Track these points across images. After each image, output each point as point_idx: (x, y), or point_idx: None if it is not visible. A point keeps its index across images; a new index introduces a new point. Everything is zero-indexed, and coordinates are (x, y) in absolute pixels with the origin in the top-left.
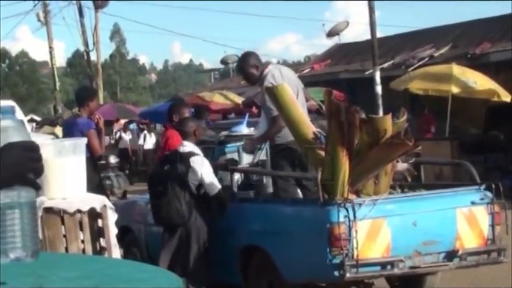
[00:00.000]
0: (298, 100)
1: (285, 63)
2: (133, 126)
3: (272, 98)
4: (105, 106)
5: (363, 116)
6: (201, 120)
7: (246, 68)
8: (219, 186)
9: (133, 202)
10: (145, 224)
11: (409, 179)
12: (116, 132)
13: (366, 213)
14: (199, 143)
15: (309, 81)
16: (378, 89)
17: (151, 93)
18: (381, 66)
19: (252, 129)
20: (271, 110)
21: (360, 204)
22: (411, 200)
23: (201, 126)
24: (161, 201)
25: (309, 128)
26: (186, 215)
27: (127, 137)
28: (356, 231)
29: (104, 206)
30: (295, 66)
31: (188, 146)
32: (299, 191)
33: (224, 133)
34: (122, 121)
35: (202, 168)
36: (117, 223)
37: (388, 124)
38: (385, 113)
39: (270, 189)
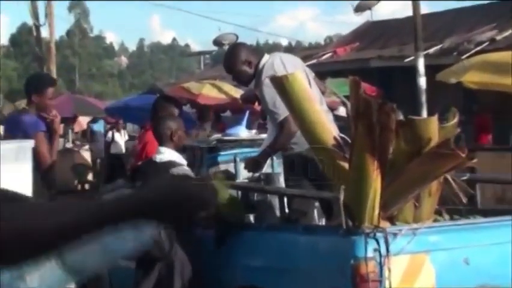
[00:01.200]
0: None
1: (298, 46)
2: (98, 126)
3: (281, 92)
4: (59, 99)
5: (401, 117)
6: (204, 123)
7: (236, 66)
8: None
9: None
10: None
11: (463, 200)
12: (107, 132)
13: (404, 246)
14: (181, 150)
15: (329, 70)
16: (422, 81)
17: (120, 83)
18: (426, 52)
19: (254, 131)
20: (276, 112)
21: (395, 234)
22: (463, 229)
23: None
24: None
25: (329, 131)
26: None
27: (121, 139)
28: (389, 270)
29: None
30: (312, 50)
31: (166, 154)
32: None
33: (215, 136)
34: (82, 119)
35: None
36: None
37: (433, 128)
38: (430, 113)
39: (276, 212)
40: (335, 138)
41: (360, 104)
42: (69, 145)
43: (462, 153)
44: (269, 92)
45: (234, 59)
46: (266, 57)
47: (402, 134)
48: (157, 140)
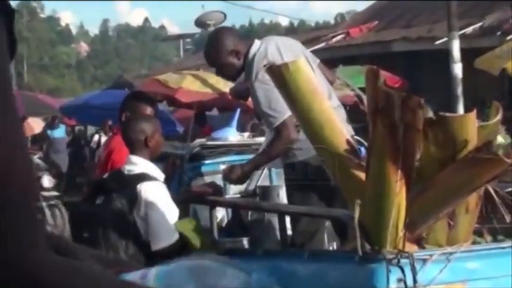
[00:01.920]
0: None
1: (301, 26)
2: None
3: (279, 84)
4: None
5: (431, 113)
6: (201, 127)
7: (220, 58)
8: (173, 238)
9: None
10: None
11: (507, 217)
12: (93, 135)
13: (435, 275)
14: (159, 159)
15: (342, 56)
16: (457, 69)
17: (79, 75)
18: (462, 32)
19: (247, 134)
20: (272, 114)
21: (424, 261)
22: (509, 253)
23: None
24: None
25: (340, 133)
26: None
27: None
28: None
29: None
30: (319, 32)
31: (138, 165)
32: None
33: (198, 141)
34: (33, 121)
35: (152, 203)
36: None
37: (471, 128)
38: (467, 109)
39: (276, 234)
40: (348, 141)
41: (379, 98)
42: None
43: (508, 158)
44: (263, 89)
45: (218, 49)
46: (257, 44)
47: (432, 135)
48: (127, 147)
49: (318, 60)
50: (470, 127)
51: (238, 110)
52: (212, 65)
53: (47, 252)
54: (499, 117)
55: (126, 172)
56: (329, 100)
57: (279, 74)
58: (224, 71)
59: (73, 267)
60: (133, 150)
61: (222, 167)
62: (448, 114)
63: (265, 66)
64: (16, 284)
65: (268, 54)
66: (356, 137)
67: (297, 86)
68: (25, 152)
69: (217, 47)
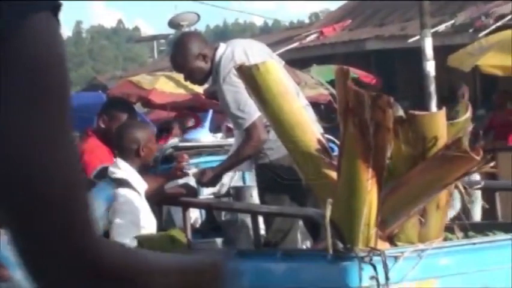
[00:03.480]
0: None
1: (276, 26)
2: None
3: (249, 85)
4: None
5: (401, 112)
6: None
7: (187, 62)
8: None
9: None
10: None
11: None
12: None
13: (407, 271)
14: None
15: (316, 55)
16: (430, 66)
17: None
18: (434, 30)
19: (220, 135)
20: (240, 116)
21: (396, 258)
22: (481, 249)
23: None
24: None
25: (311, 133)
26: None
27: None
28: None
29: None
30: (293, 31)
31: (122, 170)
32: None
33: (171, 143)
34: None
35: (120, 211)
36: None
37: (441, 126)
38: (440, 106)
39: (249, 233)
40: (319, 141)
41: (349, 98)
42: None
43: (477, 155)
44: (231, 91)
45: (184, 54)
46: (223, 47)
47: (403, 134)
48: (118, 153)
49: (283, 62)
50: (439, 125)
51: (211, 111)
52: (179, 71)
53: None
54: (468, 114)
55: (109, 174)
56: (298, 100)
57: (249, 75)
58: (192, 76)
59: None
60: (122, 156)
61: (194, 169)
62: (417, 112)
63: (234, 68)
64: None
65: (235, 56)
66: (327, 136)
67: (268, 86)
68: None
69: (183, 52)
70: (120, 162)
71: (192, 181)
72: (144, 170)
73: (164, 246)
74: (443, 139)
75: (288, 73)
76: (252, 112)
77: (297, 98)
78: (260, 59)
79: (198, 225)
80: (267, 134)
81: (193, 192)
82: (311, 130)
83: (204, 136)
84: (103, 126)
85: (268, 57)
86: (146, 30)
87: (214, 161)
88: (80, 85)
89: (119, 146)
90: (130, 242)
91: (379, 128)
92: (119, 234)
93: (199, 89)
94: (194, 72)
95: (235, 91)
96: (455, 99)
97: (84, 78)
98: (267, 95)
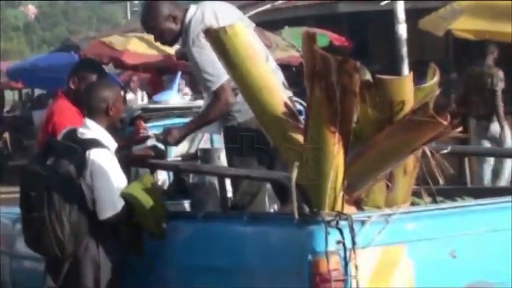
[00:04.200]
0: None
1: None
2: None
3: (217, 48)
4: None
5: (368, 76)
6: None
7: (158, 24)
8: (118, 206)
9: None
10: (10, 254)
11: (441, 179)
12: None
13: (374, 236)
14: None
15: (287, 18)
16: (402, 29)
17: (27, 38)
18: None
19: (188, 98)
20: (209, 79)
21: (363, 222)
22: (449, 215)
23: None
24: (33, 219)
25: (278, 96)
26: (69, 244)
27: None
28: (356, 267)
29: None
30: None
31: (92, 130)
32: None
33: (140, 104)
34: None
35: (98, 172)
36: None
37: (408, 90)
38: (413, 69)
39: (216, 196)
40: (286, 104)
41: (316, 62)
42: None
43: (444, 120)
44: (200, 53)
45: (155, 15)
46: (193, 9)
47: (370, 98)
48: (86, 112)
49: (253, 25)
50: (407, 89)
51: (179, 73)
52: (150, 32)
53: None
54: (436, 79)
55: (79, 135)
56: (266, 62)
57: (217, 38)
58: (162, 37)
59: None
60: (90, 116)
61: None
62: (384, 76)
63: (202, 30)
64: None
65: (205, 19)
66: (297, 99)
67: (235, 50)
68: None
69: (154, 13)
70: (89, 122)
71: (159, 143)
72: (112, 130)
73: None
74: (410, 104)
75: (258, 36)
76: (221, 75)
77: (266, 61)
78: (230, 21)
79: (165, 187)
80: (234, 97)
81: (161, 154)
82: (279, 93)
83: (172, 98)
84: (73, 87)
85: (239, 20)
86: None
87: (182, 123)
88: (54, 46)
89: (88, 105)
90: (118, 201)
91: (346, 92)
92: (106, 198)
93: (171, 50)
94: (164, 33)
95: (204, 53)
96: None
97: (59, 39)
98: (234, 59)
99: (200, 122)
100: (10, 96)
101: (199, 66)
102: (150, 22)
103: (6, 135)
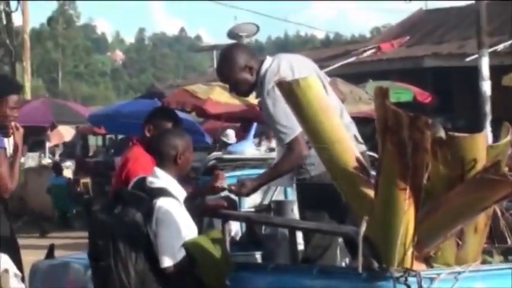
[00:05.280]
0: None
1: (337, 39)
2: None
3: (289, 100)
4: (33, 103)
5: (442, 133)
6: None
7: (233, 73)
8: (178, 256)
9: (64, 264)
10: None
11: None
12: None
13: None
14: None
15: (372, 71)
16: (486, 86)
17: (113, 84)
18: (492, 49)
19: (264, 148)
20: (283, 131)
21: (432, 279)
22: None
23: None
24: (100, 267)
25: (350, 150)
26: None
27: None
28: None
29: (5, 270)
30: (352, 45)
31: (160, 179)
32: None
33: (214, 155)
34: (62, 128)
35: (163, 219)
36: None
37: (480, 148)
38: (496, 126)
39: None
40: (357, 159)
41: (388, 117)
42: (46, 161)
43: None
44: (274, 105)
45: (231, 65)
46: (269, 61)
47: (441, 155)
48: (156, 160)
49: (329, 79)
50: (479, 147)
51: (255, 124)
52: (225, 81)
53: None
54: (509, 137)
55: (148, 184)
56: (340, 118)
57: (289, 90)
58: (237, 87)
59: None
60: (160, 164)
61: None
62: (456, 134)
63: (275, 82)
64: None
65: (280, 70)
66: (369, 152)
67: (308, 102)
68: None
69: (230, 63)
70: (158, 170)
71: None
72: (182, 180)
73: (208, 250)
74: (482, 161)
75: (334, 89)
76: (294, 127)
77: (338, 114)
78: (305, 74)
79: (238, 239)
80: (308, 150)
81: (233, 204)
82: (350, 147)
83: (247, 148)
84: (147, 134)
85: (314, 73)
86: (208, 40)
87: (257, 174)
88: (140, 92)
89: (157, 152)
90: (178, 251)
91: (417, 148)
92: (167, 246)
93: (254, 100)
94: (239, 83)
95: (278, 105)
96: None
97: (145, 85)
98: (307, 111)
99: (273, 173)
100: (93, 141)
101: (273, 118)
102: (225, 72)
103: (88, 180)
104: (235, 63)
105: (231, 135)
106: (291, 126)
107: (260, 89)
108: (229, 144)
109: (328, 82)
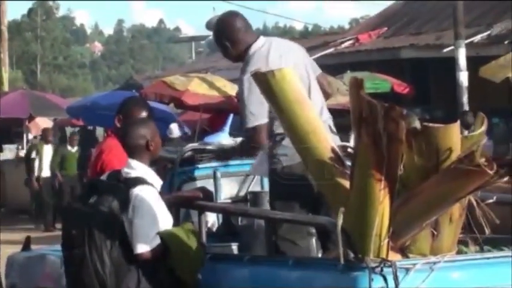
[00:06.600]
0: (310, 97)
1: (316, 31)
2: None
3: (264, 91)
4: (10, 95)
5: (417, 123)
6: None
7: (233, 34)
8: (153, 243)
9: (40, 256)
10: None
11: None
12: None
13: (418, 284)
14: (153, 163)
15: (350, 62)
16: (463, 77)
17: (92, 75)
18: (469, 41)
19: (240, 139)
20: (248, 115)
21: (407, 270)
22: (495, 264)
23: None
24: (74, 255)
25: (325, 141)
26: (110, 283)
27: None
28: None
29: None
30: (330, 37)
31: (135, 169)
32: (313, 245)
33: (190, 145)
34: (40, 120)
35: (139, 207)
36: None
37: (455, 138)
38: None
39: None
40: (332, 149)
41: (362, 108)
42: (23, 153)
43: (490, 169)
44: (250, 90)
45: (232, 25)
46: (261, 41)
47: (416, 145)
48: (127, 152)
49: (319, 71)
50: (453, 138)
51: (231, 115)
52: (223, 40)
53: None
54: (483, 128)
55: (123, 175)
56: (320, 115)
57: (265, 81)
58: (233, 48)
59: None
60: (133, 155)
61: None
62: (431, 124)
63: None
64: None
65: (269, 57)
66: (344, 143)
67: (283, 93)
68: None
69: (231, 22)
70: (132, 162)
71: (209, 185)
72: (159, 170)
73: (183, 241)
74: (457, 152)
75: (321, 84)
76: (260, 116)
77: (319, 112)
78: (292, 64)
79: (214, 230)
80: (265, 142)
81: (210, 196)
82: (326, 138)
83: (224, 139)
84: (118, 125)
85: (302, 64)
86: (188, 31)
87: (233, 164)
88: (120, 83)
89: (128, 145)
90: (153, 239)
91: (392, 139)
92: (142, 233)
93: (232, 92)
94: (237, 44)
95: (254, 92)
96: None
97: (124, 77)
98: (282, 102)
99: (225, 155)
100: None
101: (244, 102)
102: (220, 34)
103: None
104: (235, 24)
105: (174, 129)
106: (258, 114)
107: (244, 67)
108: (172, 139)
109: (319, 75)
